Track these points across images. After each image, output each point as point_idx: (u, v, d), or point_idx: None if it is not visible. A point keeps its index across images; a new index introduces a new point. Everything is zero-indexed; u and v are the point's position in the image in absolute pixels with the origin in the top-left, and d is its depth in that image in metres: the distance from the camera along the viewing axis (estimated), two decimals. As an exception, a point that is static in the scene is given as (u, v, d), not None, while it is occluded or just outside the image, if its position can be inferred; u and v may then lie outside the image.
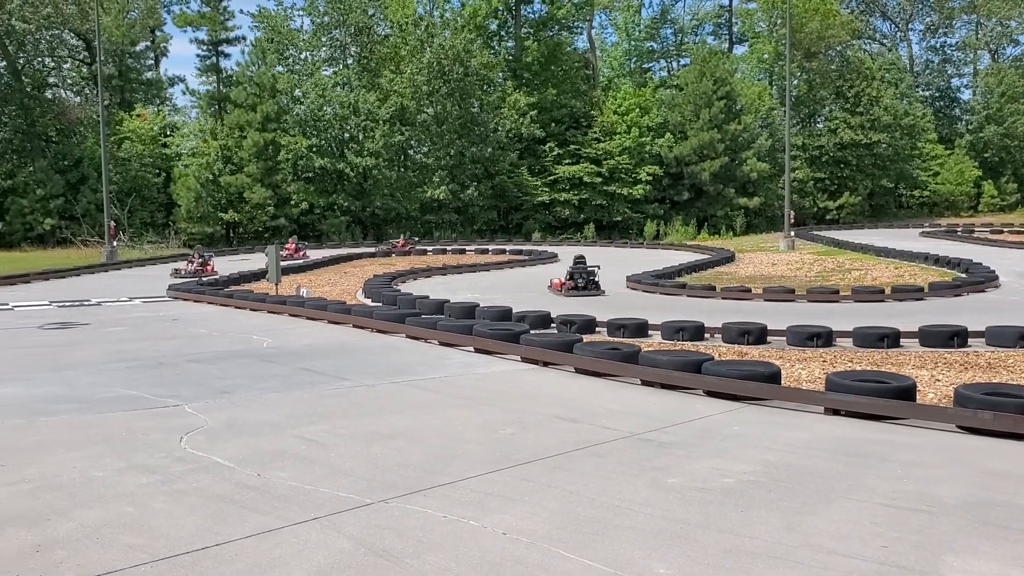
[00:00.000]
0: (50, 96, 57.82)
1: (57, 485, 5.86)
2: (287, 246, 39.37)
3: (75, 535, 4.89)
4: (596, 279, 23.50)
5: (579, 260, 24.24)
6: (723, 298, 21.45)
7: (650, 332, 14.82)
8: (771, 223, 58.44)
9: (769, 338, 14.12)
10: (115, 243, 39.73)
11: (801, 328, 14.05)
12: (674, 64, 74.03)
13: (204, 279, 26.03)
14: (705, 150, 57.45)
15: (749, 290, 22.15)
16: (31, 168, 52.45)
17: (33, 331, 15.25)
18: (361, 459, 6.53)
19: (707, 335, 14.50)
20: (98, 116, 42.72)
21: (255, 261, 34.73)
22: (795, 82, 62.59)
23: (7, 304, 20.13)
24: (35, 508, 5.37)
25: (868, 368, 11.35)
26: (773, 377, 8.77)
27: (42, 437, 7.25)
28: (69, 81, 60.52)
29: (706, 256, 36.31)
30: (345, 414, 8.18)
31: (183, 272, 29.86)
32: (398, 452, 6.75)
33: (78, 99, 59.29)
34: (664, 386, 9.23)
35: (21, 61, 55.69)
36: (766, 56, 67.47)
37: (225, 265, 33.55)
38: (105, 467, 6.29)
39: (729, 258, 35.63)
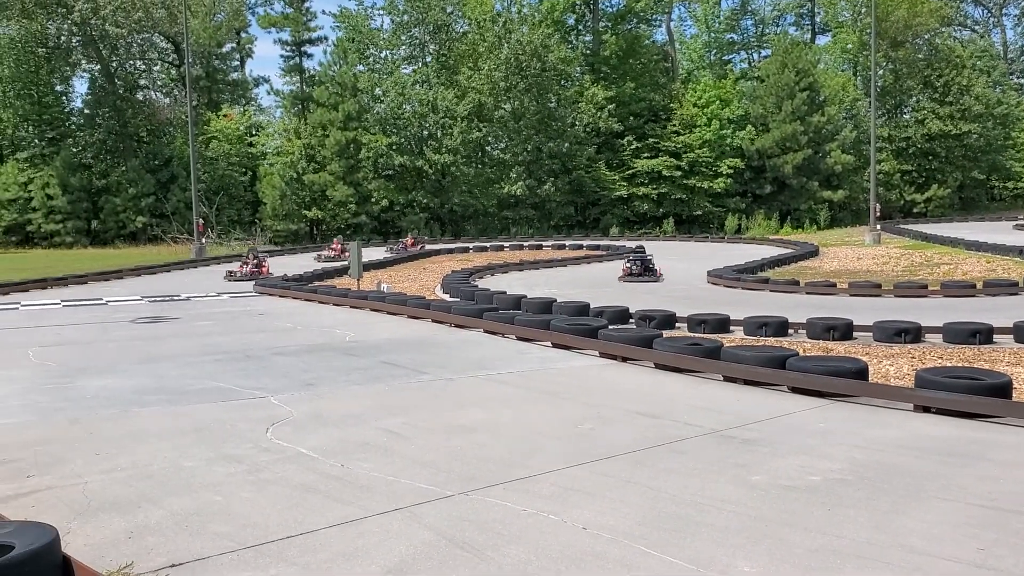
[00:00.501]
0: (141, 98, 59.84)
1: (149, 474, 6.04)
2: (332, 246, 38.24)
3: (166, 522, 5.03)
4: (652, 266, 26.35)
5: (637, 249, 29.69)
6: (807, 293, 20.99)
7: (732, 328, 14.58)
8: (856, 217, 56.98)
9: (855, 334, 13.75)
10: (203, 240, 40.91)
11: (888, 324, 13.65)
12: (755, 56, 72.79)
13: (288, 276, 26.45)
14: (787, 142, 56.32)
15: (834, 285, 21.62)
16: (124, 168, 54.40)
17: (126, 325, 15.78)
18: (441, 451, 6.57)
19: (791, 331, 14.21)
20: (187, 117, 44.01)
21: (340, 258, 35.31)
22: (880, 72, 60.84)
23: (101, 299, 20.89)
24: (128, 496, 5.55)
25: (959, 364, 10.96)
26: (860, 373, 8.52)
27: (135, 427, 7.49)
28: (159, 83, 62.52)
29: (789, 251, 35.58)
30: (425, 407, 8.24)
31: (237, 275, 27.82)
32: (477, 445, 6.77)
33: (167, 100, 61.23)
34: (747, 382, 9.06)
35: (114, 64, 57.74)
36: (850, 46, 65.74)
37: (308, 262, 34.23)
38: (194, 456, 6.47)
39: (813, 252, 34.86)
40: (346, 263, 28.46)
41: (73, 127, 57.46)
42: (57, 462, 6.36)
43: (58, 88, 57.67)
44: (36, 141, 55.10)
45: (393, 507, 5.23)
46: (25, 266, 34.97)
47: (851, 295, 20.32)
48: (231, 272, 28.56)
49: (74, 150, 55.28)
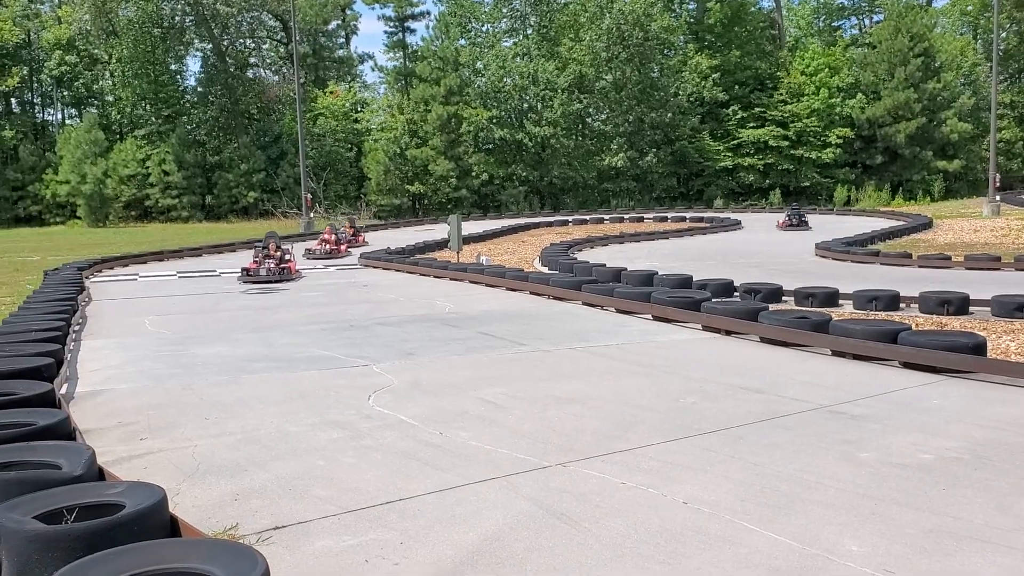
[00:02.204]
0: (251, 76, 61.49)
1: (255, 438, 6.22)
2: (324, 235, 27.45)
3: (270, 486, 5.16)
4: (805, 219, 34.60)
5: (793, 205, 39.54)
6: (920, 266, 20.10)
7: (840, 302, 14.08)
8: (973, 188, 54.34)
9: (972, 309, 13.08)
10: (311, 214, 41.92)
11: (1008, 298, 12.92)
12: (866, 21, 69.84)
13: (391, 249, 26.55)
14: (900, 111, 54.00)
15: (949, 258, 20.64)
16: (235, 144, 56.14)
17: (237, 295, 16.30)
18: (538, 422, 6.55)
19: (903, 305, 13.62)
20: (295, 94, 45.02)
21: (438, 231, 35.69)
22: (1003, 35, 57.59)
23: (215, 270, 21.63)
24: (235, 459, 5.72)
25: (1090, 342, 10.30)
26: (978, 348, 8.11)
27: (244, 393, 7.72)
28: (268, 61, 64.13)
29: (901, 223, 34.17)
30: (523, 378, 8.23)
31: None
32: (575, 417, 6.72)
33: (276, 78, 62.77)
34: (856, 357, 8.73)
35: (225, 43, 59.49)
36: (970, 8, 62.48)
37: (411, 235, 34.67)
38: (299, 422, 6.62)
39: (926, 224, 33.39)
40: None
41: (187, 105, 59.53)
42: (169, 426, 6.61)
43: (173, 67, 59.80)
44: (153, 119, 57.31)
45: (491, 476, 5.24)
46: (143, 239, 36.56)
47: (967, 268, 19.35)
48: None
49: (188, 127, 57.29)
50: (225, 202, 54.07)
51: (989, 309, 12.93)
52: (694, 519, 4.51)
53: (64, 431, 5.53)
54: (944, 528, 4.34)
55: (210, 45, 58.78)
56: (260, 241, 21.07)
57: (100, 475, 4.88)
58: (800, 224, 33.89)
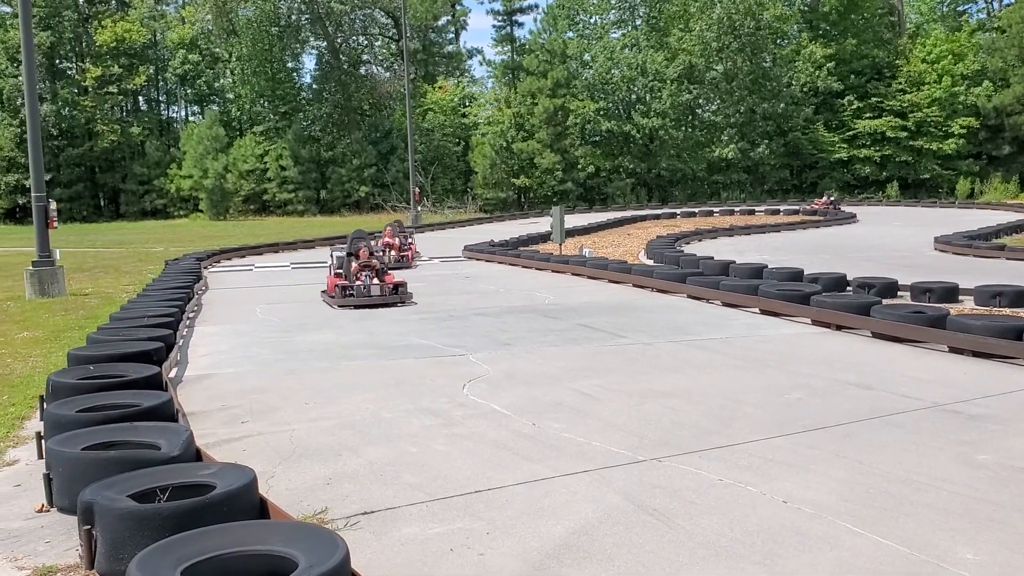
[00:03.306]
0: (363, 72, 62.68)
1: (351, 423, 6.27)
2: (385, 238, 21.54)
3: (362, 471, 5.18)
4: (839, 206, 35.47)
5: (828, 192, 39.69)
6: (1051, 262, 18.94)
7: (961, 297, 13.36)
8: (1113, 178, 50.92)
9: (1109, 306, 12.22)
10: (419, 208, 42.48)
11: None
12: (995, 4, 66.23)
13: (495, 242, 26.15)
14: (1032, 98, 51.01)
15: (1084, 253, 19.37)
16: (348, 140, 57.36)
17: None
18: (634, 415, 6.40)
19: (1031, 301, 12.83)
20: (405, 90, 45.71)
21: (542, 224, 35.63)
22: None
23: (325, 262, 22.07)
24: (330, 444, 5.77)
25: None
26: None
27: (343, 379, 7.82)
28: (379, 57, 65.21)
29: (1031, 216, 32.31)
30: (620, 370, 8.08)
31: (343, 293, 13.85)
32: (672, 411, 6.54)
33: (387, 74, 63.77)
34: (976, 354, 8.24)
35: (339, 40, 60.80)
36: (1113, -14, 58.39)
37: (515, 228, 34.72)
38: (394, 409, 6.65)
39: (1060, 218, 31.46)
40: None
41: (303, 102, 61.13)
42: (269, 410, 6.74)
43: (289, 65, 61.47)
44: (270, 116, 59.07)
45: (582, 468, 5.13)
46: (261, 232, 37.74)
47: (1105, 264, 18.14)
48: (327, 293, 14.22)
49: (303, 124, 58.81)
50: (338, 196, 55.33)
51: None
52: (794, 519, 4.29)
53: (167, 412, 5.69)
54: (1071, 538, 4.01)
55: (324, 43, 60.18)
56: (340, 241, 18.68)
57: (197, 456, 4.99)
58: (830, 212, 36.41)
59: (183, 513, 3.76)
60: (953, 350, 8.53)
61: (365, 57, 64.09)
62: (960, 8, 66.07)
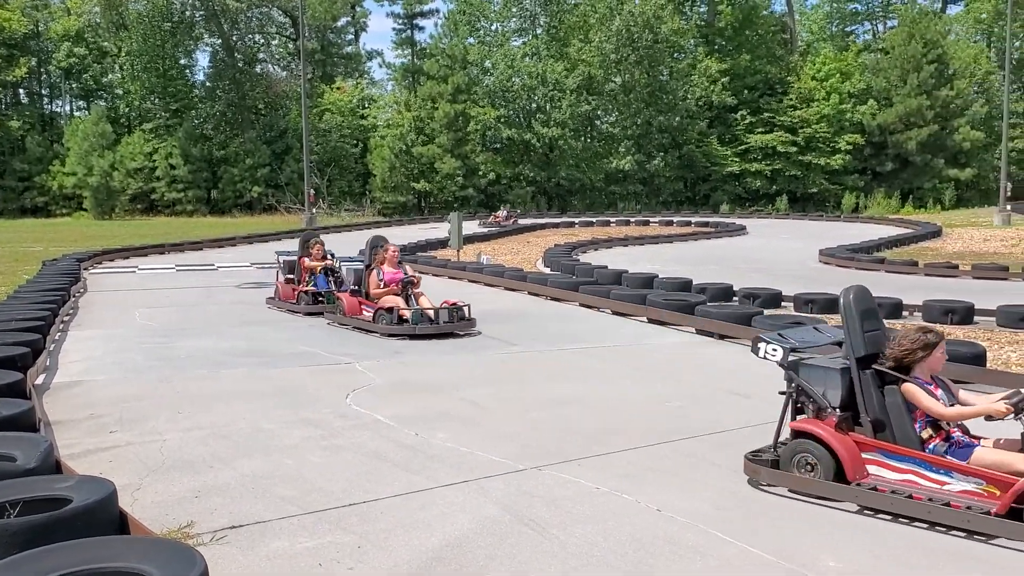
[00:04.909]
0: (259, 71, 61.41)
1: (226, 434, 6.05)
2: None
3: (234, 483, 5.00)
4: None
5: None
6: (926, 274, 19.86)
7: (841, 308, 13.87)
8: (984, 197, 53.89)
9: (976, 318, 12.87)
10: (314, 210, 41.77)
11: (1014, 308, 12.70)
12: (879, 26, 69.43)
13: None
14: (912, 118, 53.63)
15: (956, 267, 20.38)
16: (241, 139, 56.08)
17: (231, 289, 16.14)
18: (522, 424, 6.38)
19: (906, 313, 13.40)
20: (301, 89, 44.96)
21: (443, 230, 35.51)
22: (1017, 43, 57.14)
23: (213, 265, 21.49)
24: (203, 455, 5.55)
25: (1093, 354, 10.08)
26: (977, 358, 7.91)
27: (221, 388, 7.56)
28: (276, 56, 64.01)
29: (909, 231, 33.86)
30: (511, 379, 8.06)
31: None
32: (559, 419, 6.55)
33: (284, 73, 62.67)
34: (851, 364, 8.52)
35: (234, 38, 59.44)
36: (984, 16, 61.88)
37: (415, 233, 34.50)
38: (273, 419, 6.45)
39: (935, 233, 33.08)
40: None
41: (195, 99, 59.45)
42: (141, 419, 6.45)
43: (182, 62, 59.70)
44: (161, 113, 57.28)
45: (462, 479, 5.06)
46: (147, 232, 36.44)
47: (974, 278, 19.12)
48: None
49: (195, 122, 57.21)
50: (230, 196, 54.00)
51: (994, 319, 12.72)
52: (667, 528, 4.33)
53: (27, 422, 5.38)
54: (929, 545, 4.15)
55: (219, 40, 58.73)
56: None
57: (57, 468, 4.72)
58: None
59: (33, 529, 3.53)
60: (829, 359, 8.79)
61: (261, 55, 62.89)
62: (848, 28, 69.01)
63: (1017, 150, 54.96)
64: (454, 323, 10.40)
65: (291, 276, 13.20)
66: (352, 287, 11.71)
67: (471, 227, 34.02)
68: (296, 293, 12.65)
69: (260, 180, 53.38)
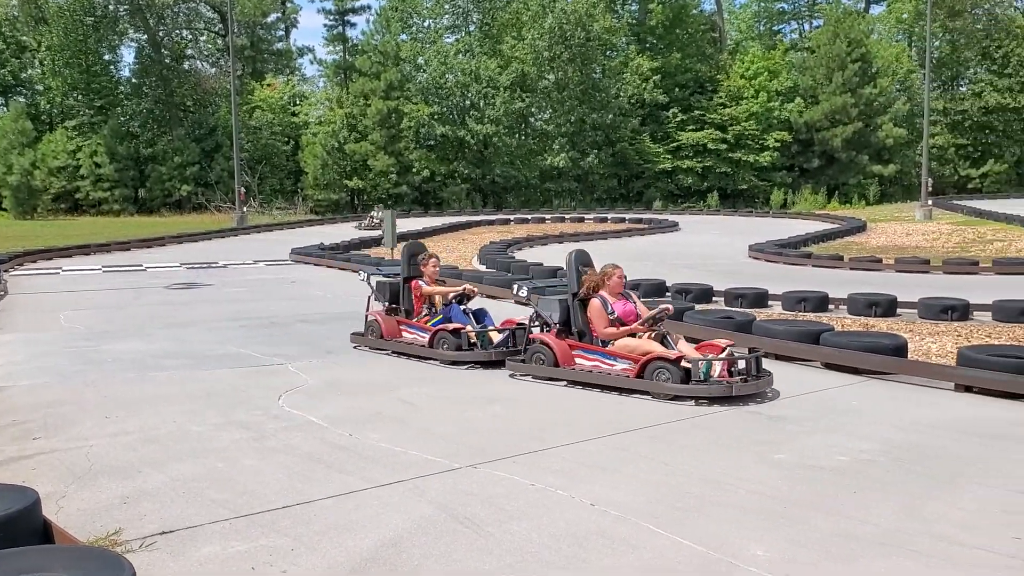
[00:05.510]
0: (187, 67, 60.11)
1: (155, 438, 5.94)
2: None
3: (163, 488, 4.91)
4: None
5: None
6: (851, 268, 20.44)
7: (770, 302, 14.18)
8: (907, 192, 55.55)
9: (899, 310, 13.27)
10: (245, 209, 41.10)
11: (934, 300, 13.14)
12: (806, 26, 70.96)
13: (325, 245, 25.72)
14: (837, 115, 54.98)
15: (880, 261, 21.02)
16: (169, 137, 54.86)
17: (160, 290, 15.82)
18: (456, 423, 6.38)
19: (832, 306, 13.77)
20: (231, 86, 44.17)
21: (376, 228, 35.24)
22: (937, 43, 58.98)
23: (141, 265, 21.03)
24: (131, 460, 5.44)
25: (1008, 343, 10.49)
26: (899, 350, 8.16)
27: (149, 391, 7.41)
28: (205, 53, 62.74)
29: (835, 226, 34.75)
30: (445, 379, 8.06)
31: None
32: (494, 418, 6.58)
33: (213, 70, 61.41)
34: (779, 357, 8.73)
35: (161, 34, 58.07)
36: (905, 16, 63.68)
37: (349, 231, 34.18)
38: (203, 422, 6.35)
39: (860, 228, 34.00)
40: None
41: (121, 96, 57.88)
42: (66, 424, 6.30)
43: (106, 57, 57.99)
44: (84, 110, 55.64)
45: (396, 479, 5.05)
46: (72, 233, 35.41)
47: (897, 271, 19.72)
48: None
49: (122, 119, 55.75)
50: (158, 195, 52.78)
51: (916, 311, 13.13)
52: (600, 521, 4.38)
53: (-57, 431, 5.22)
54: (852, 532, 4.27)
55: (145, 36, 57.33)
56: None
57: (-25, 478, 4.59)
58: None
59: (-53, 542, 3.43)
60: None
61: (189, 52, 61.57)
62: (775, 28, 70.35)
63: (938, 147, 56.75)
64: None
65: (395, 305, 9.90)
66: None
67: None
68: (405, 328, 9.49)
69: (189, 179, 52.27)
